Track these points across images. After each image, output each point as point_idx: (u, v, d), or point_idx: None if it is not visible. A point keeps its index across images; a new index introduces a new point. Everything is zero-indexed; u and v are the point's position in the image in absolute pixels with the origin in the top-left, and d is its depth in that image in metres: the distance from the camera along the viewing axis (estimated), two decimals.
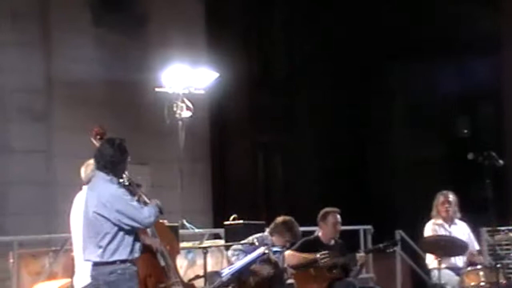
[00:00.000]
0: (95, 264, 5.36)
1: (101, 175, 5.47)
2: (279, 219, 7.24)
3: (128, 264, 5.34)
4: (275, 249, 6.96)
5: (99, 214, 5.31)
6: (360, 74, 15.12)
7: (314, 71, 15.06)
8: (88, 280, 5.80)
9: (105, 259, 5.30)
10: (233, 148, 14.41)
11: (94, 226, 5.34)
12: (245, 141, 14.62)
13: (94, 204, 5.35)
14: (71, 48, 11.70)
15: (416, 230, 8.53)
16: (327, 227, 7.71)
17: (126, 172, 5.65)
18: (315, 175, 14.92)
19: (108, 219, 5.30)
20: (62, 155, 11.33)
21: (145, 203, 5.60)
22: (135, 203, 5.42)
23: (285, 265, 7.24)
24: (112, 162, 5.43)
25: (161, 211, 5.55)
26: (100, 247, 5.31)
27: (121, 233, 5.34)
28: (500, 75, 14.20)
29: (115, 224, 5.32)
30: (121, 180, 5.54)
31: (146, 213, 5.38)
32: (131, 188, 5.66)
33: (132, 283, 5.37)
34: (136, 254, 5.42)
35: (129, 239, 5.36)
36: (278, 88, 15.25)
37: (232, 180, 14.26)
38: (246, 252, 6.75)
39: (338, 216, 7.76)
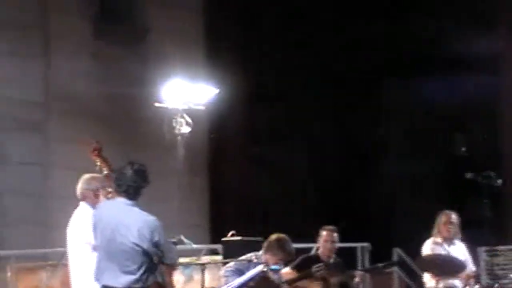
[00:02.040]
0: None
1: (122, 200, 5.45)
2: (272, 237, 7.18)
3: None
4: (273, 267, 6.93)
5: (137, 244, 5.30)
6: (357, 90, 15.16)
7: (312, 86, 15.09)
8: None
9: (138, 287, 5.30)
10: (231, 162, 14.40)
11: (127, 254, 5.31)
12: (243, 156, 14.62)
13: (129, 234, 5.31)
14: (70, 60, 11.72)
15: (413, 248, 8.52)
16: (322, 243, 7.72)
17: None
18: (314, 191, 14.91)
19: (145, 250, 5.30)
20: (59, 167, 11.31)
21: None
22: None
23: (282, 282, 7.22)
24: (134, 188, 5.42)
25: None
26: (132, 274, 5.30)
27: (150, 262, 5.37)
28: (497, 95, 14.25)
29: (150, 254, 5.33)
30: None
31: (174, 252, 5.56)
32: None
33: None
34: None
35: (155, 265, 5.40)
36: (275, 103, 15.27)
37: (230, 195, 14.24)
38: (239, 271, 6.73)
39: (335, 235, 7.75)
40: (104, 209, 5.55)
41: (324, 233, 7.73)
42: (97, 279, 5.46)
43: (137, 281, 5.31)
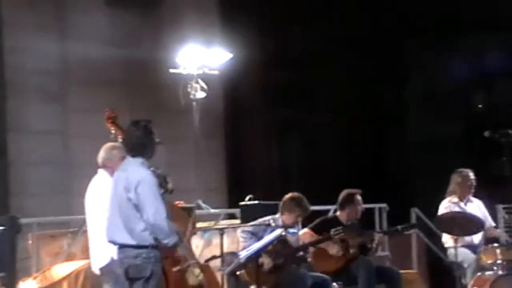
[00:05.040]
0: (122, 247, 5.37)
1: (130, 159, 5.48)
2: (287, 196, 7.27)
3: (153, 248, 5.36)
4: (292, 230, 6.98)
5: (128, 198, 5.32)
6: (376, 51, 15.03)
7: (330, 49, 14.99)
8: (105, 261, 5.88)
9: (135, 243, 5.32)
10: (248, 127, 14.41)
11: (125, 209, 5.34)
12: (260, 120, 14.61)
13: (124, 187, 5.34)
14: (85, 28, 11.72)
15: (432, 208, 8.51)
16: (354, 208, 7.67)
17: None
18: (330, 153, 14.90)
19: (135, 204, 5.31)
20: (78, 136, 11.40)
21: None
22: (162, 206, 5.33)
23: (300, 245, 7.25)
24: (139, 144, 5.42)
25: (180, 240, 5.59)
26: (130, 230, 5.31)
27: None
28: None
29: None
30: (152, 168, 5.49)
31: (169, 230, 5.34)
32: (160, 180, 5.57)
33: (155, 266, 5.38)
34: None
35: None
36: (292, 67, 15.19)
37: (247, 159, 14.28)
38: (256, 235, 6.77)
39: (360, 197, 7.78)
40: (119, 169, 5.59)
41: (357, 197, 7.71)
42: (107, 234, 5.52)
43: (132, 237, 5.29)
